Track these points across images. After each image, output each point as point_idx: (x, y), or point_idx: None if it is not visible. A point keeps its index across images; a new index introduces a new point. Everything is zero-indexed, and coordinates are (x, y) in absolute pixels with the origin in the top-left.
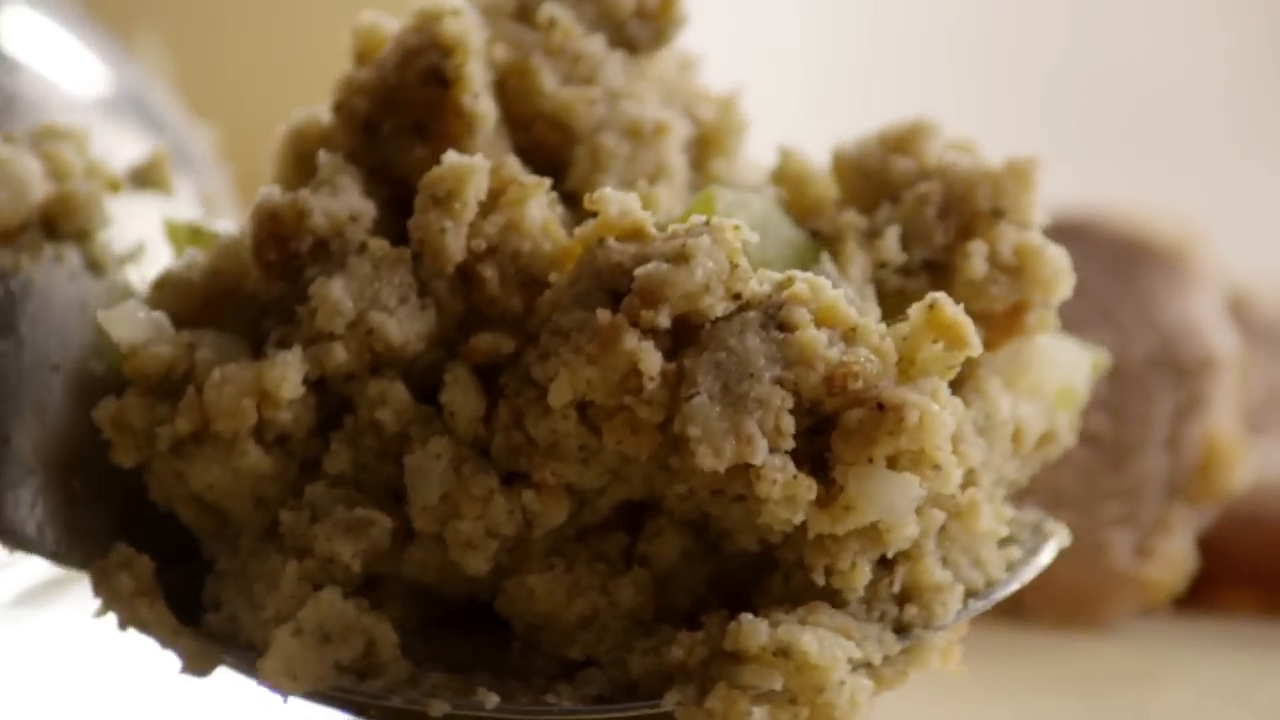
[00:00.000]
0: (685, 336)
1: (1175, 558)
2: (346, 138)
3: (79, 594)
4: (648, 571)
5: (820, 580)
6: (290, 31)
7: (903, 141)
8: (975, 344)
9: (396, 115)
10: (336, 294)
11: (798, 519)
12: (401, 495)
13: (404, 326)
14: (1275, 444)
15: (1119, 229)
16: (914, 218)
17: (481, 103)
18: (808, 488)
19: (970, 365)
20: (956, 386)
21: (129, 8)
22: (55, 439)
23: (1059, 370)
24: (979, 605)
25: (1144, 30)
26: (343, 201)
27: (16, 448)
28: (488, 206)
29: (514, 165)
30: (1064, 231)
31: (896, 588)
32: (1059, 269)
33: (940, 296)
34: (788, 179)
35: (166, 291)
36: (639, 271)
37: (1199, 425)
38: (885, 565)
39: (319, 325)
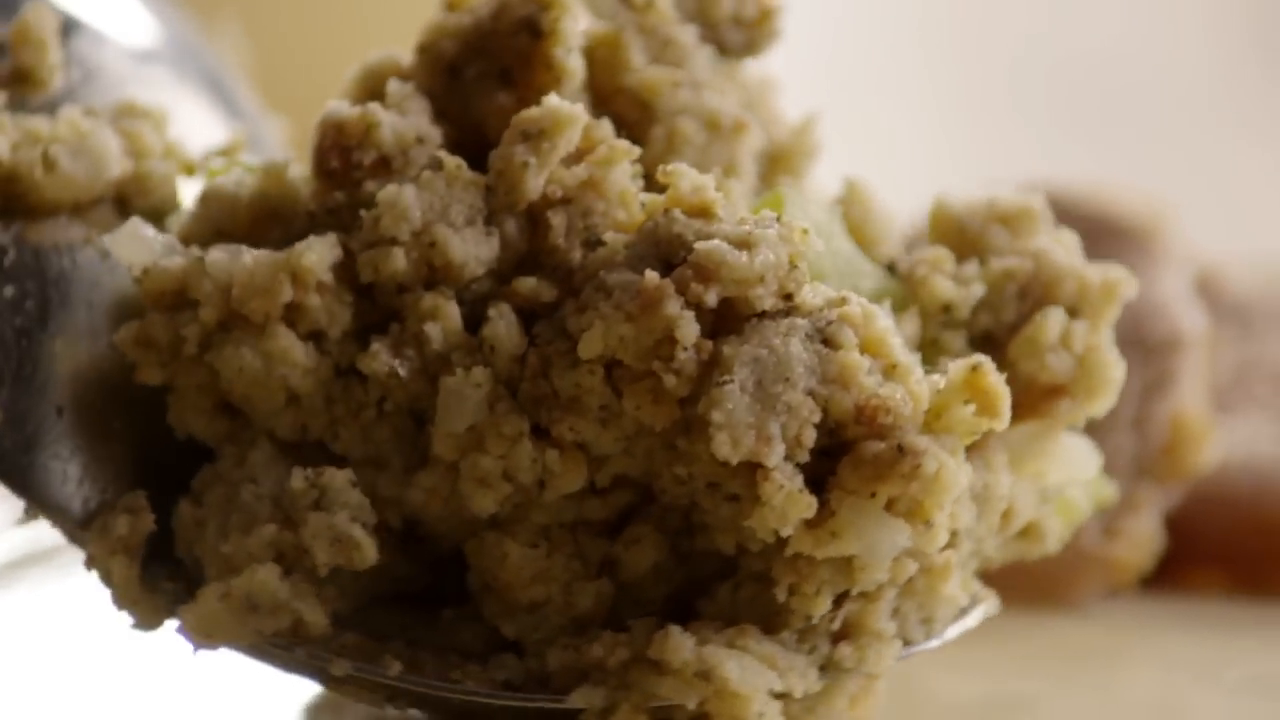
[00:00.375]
0: (726, 325)
1: (1143, 537)
2: (427, 77)
3: (35, 579)
4: (613, 585)
5: (782, 596)
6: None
7: (1010, 217)
8: (1005, 418)
9: (483, 61)
10: (407, 200)
11: (785, 531)
12: (423, 418)
13: (467, 247)
14: (1242, 423)
15: (1086, 207)
16: (994, 286)
17: (572, 59)
18: (807, 505)
19: (986, 432)
20: (966, 450)
21: None
22: (107, 414)
23: (1066, 466)
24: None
25: (1115, 9)
26: (411, 122)
27: (69, 422)
28: (572, 159)
29: (606, 128)
30: None
31: (837, 625)
32: (1112, 381)
33: (985, 361)
34: (851, 206)
35: (211, 206)
36: (699, 245)
37: (1166, 404)
38: (836, 601)
39: (382, 229)
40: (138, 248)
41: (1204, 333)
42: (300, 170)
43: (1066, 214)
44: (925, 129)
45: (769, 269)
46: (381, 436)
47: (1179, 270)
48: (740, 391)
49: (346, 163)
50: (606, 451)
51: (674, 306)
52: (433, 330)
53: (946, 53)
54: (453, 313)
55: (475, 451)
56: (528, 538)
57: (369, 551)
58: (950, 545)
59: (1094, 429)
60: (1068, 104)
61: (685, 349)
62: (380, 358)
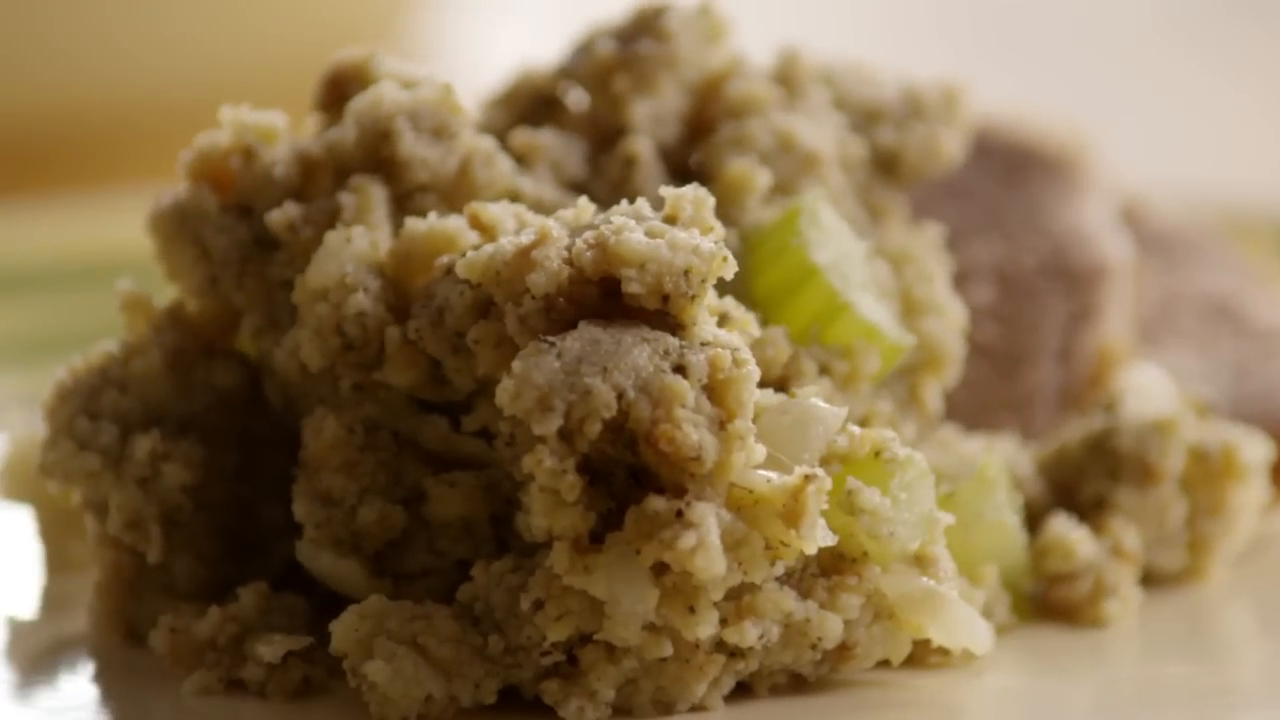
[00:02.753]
0: (605, 309)
1: None
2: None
3: None
4: (408, 518)
5: (525, 605)
6: None
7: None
8: (807, 542)
9: None
10: (384, 96)
11: (549, 523)
12: None
13: (418, 150)
14: (1166, 354)
15: (1010, 135)
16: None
17: None
18: (579, 518)
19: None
20: (790, 579)
21: None
22: None
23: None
24: None
25: None
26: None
27: None
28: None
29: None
30: None
31: (559, 658)
32: None
33: (820, 479)
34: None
35: None
36: (619, 223)
37: (1091, 335)
38: (583, 639)
39: (353, 114)
40: None
41: (1128, 262)
42: None
43: (989, 143)
44: (847, 53)
45: (661, 268)
46: (280, 300)
47: (1103, 199)
48: (556, 358)
49: (338, 94)
50: (447, 375)
51: (551, 254)
52: (347, 201)
53: None
54: (378, 197)
55: (321, 301)
56: (350, 420)
57: (154, 552)
58: (736, 656)
59: (1018, 360)
60: (991, 28)
61: (534, 298)
62: (287, 210)
